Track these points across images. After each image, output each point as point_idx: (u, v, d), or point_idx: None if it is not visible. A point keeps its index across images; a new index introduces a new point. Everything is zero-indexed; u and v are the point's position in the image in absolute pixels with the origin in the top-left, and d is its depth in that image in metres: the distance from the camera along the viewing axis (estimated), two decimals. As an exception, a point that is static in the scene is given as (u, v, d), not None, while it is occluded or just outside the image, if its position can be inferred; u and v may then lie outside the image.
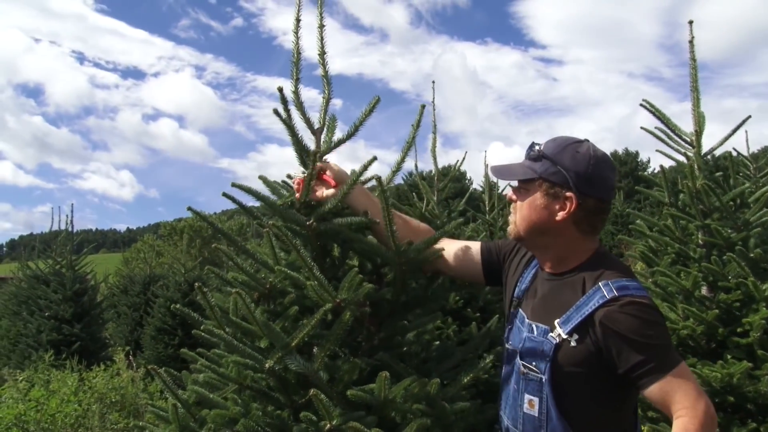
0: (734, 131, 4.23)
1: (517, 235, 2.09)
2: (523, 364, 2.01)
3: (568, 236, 1.99)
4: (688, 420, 1.74)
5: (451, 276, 2.52)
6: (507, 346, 2.17)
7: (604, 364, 1.85)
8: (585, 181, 1.93)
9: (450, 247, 2.41)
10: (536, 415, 1.96)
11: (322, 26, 2.42)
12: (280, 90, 2.38)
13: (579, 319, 1.87)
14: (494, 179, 8.19)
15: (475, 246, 2.40)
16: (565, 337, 1.89)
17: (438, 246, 2.37)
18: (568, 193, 1.94)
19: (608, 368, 1.85)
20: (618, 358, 1.82)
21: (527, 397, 1.99)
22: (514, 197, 2.09)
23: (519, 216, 2.06)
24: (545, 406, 1.93)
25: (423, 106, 2.55)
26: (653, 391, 1.79)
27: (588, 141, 2.02)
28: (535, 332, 1.99)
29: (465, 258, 2.39)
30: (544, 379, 1.93)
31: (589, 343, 1.86)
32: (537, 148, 2.02)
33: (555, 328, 1.92)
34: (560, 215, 1.95)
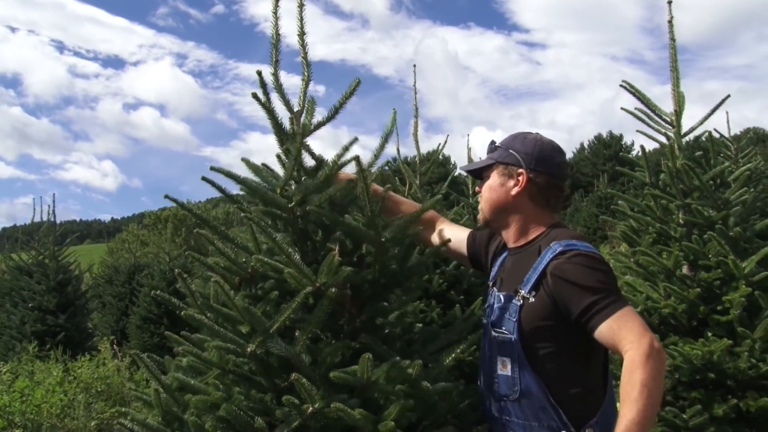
0: (713, 111, 4.27)
1: (485, 219, 2.37)
2: (494, 331, 2.18)
3: (525, 211, 2.26)
4: (633, 353, 1.84)
5: (446, 256, 2.80)
6: (484, 321, 2.33)
7: (562, 315, 2.00)
8: (534, 159, 2.23)
9: (446, 231, 2.64)
10: (509, 374, 2.11)
11: (302, 5, 2.43)
12: (259, 74, 2.41)
13: (536, 277, 2.06)
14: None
15: (464, 234, 2.62)
16: (526, 296, 2.07)
17: (418, 227, 2.51)
18: (520, 170, 2.24)
19: (566, 319, 2.00)
20: (569, 304, 1.97)
21: (500, 359, 2.15)
22: (479, 189, 2.40)
23: (483, 200, 2.36)
24: (517, 363, 2.09)
25: (395, 111, 2.69)
26: (602, 331, 1.92)
27: (538, 134, 2.33)
28: (503, 300, 2.17)
29: (456, 243, 2.60)
30: (513, 339, 2.09)
31: (544, 296, 2.04)
32: (494, 143, 2.37)
33: (519, 291, 2.10)
34: (515, 190, 2.24)
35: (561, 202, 2.32)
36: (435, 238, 2.63)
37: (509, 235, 2.31)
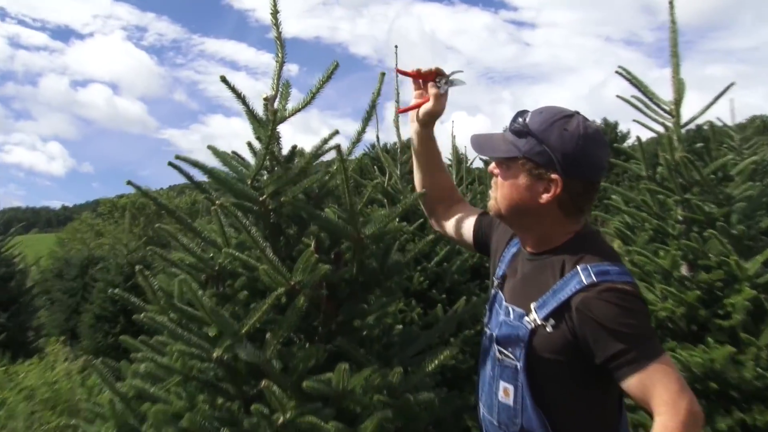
0: (716, 99, 4.28)
1: (498, 213, 2.09)
2: (498, 350, 2.03)
3: (551, 218, 1.99)
4: (668, 418, 1.72)
5: (448, 237, 2.53)
6: (486, 330, 2.18)
7: (582, 353, 1.85)
8: (572, 162, 1.90)
9: (457, 216, 2.47)
10: (511, 404, 1.97)
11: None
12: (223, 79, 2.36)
13: (555, 304, 1.87)
14: (463, 151, 8.21)
15: (473, 218, 2.43)
16: (540, 322, 1.90)
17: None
18: (554, 175, 1.91)
19: (586, 357, 1.85)
20: (595, 347, 1.81)
21: (502, 384, 2.01)
22: (495, 171, 2.08)
23: (500, 194, 2.05)
24: (520, 395, 1.94)
25: (383, 74, 2.53)
26: (632, 383, 1.78)
27: (578, 115, 1.99)
28: (511, 316, 2.00)
29: (462, 227, 2.43)
30: (519, 367, 1.94)
31: (565, 330, 1.86)
32: (521, 120, 1.99)
33: (531, 312, 1.93)
34: (544, 198, 1.94)
35: (593, 203, 2.07)
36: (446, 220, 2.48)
37: (526, 239, 2.09)
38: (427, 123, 2.42)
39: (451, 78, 2.36)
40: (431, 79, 2.35)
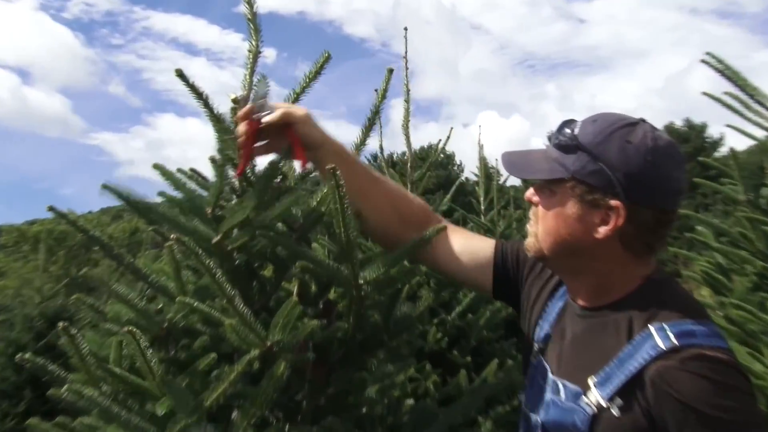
0: None
1: (539, 252, 2.07)
2: None
3: (610, 259, 1.96)
4: None
5: (451, 277, 2.52)
6: (524, 409, 2.14)
7: None
8: (638, 184, 1.87)
9: (456, 239, 2.43)
10: None
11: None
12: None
13: (623, 378, 1.81)
14: (493, 164, 8.21)
15: (488, 245, 2.41)
16: (605, 404, 1.83)
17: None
18: (614, 202, 1.88)
19: None
20: None
21: None
22: (535, 199, 2.07)
23: (542, 228, 2.03)
24: None
25: (390, 71, 2.54)
26: None
27: (644, 123, 1.95)
28: (563, 395, 1.95)
29: (473, 258, 2.40)
30: None
31: (638, 413, 1.79)
32: (568, 131, 1.97)
33: (589, 389, 1.87)
34: (601, 231, 1.91)
35: (667, 238, 2.00)
36: (442, 251, 2.41)
37: (577, 289, 2.06)
38: (320, 138, 2.38)
39: (258, 104, 2.37)
40: (256, 126, 2.34)
